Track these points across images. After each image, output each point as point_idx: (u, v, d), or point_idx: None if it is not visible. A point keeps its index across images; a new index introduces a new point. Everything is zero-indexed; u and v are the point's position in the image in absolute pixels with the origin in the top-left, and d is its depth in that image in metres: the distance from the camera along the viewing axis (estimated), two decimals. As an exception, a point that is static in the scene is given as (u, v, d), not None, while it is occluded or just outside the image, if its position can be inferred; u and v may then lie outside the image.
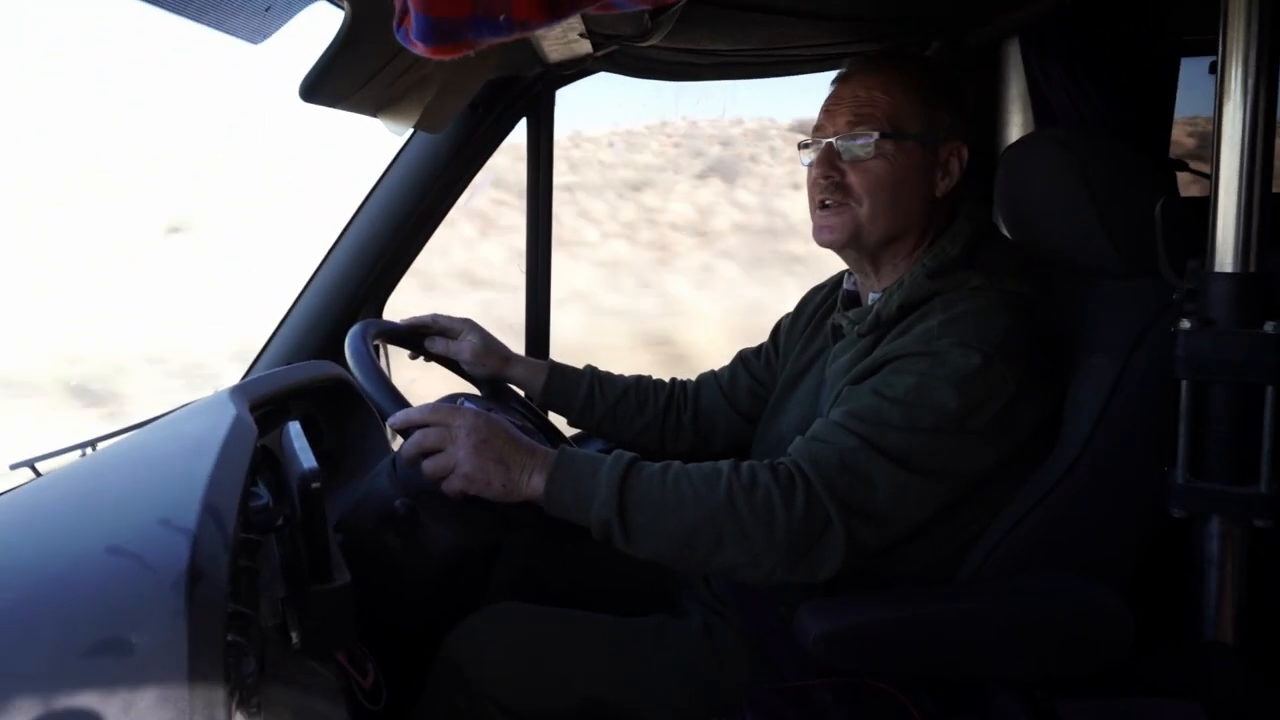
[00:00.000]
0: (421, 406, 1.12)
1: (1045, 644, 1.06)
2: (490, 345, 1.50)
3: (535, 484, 1.06)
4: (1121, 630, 1.03)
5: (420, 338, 1.50)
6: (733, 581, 1.27)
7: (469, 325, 1.50)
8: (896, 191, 1.19)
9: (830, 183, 1.21)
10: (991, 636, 1.07)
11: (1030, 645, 1.06)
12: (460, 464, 1.05)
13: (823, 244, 1.25)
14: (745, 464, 1.08)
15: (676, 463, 1.09)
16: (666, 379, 1.62)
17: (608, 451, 1.11)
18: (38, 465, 1.21)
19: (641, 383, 1.57)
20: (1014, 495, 1.14)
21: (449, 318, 1.51)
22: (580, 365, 1.57)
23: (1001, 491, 1.14)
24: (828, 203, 1.22)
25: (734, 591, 1.27)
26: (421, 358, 1.52)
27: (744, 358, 1.57)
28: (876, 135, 1.18)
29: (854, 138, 1.19)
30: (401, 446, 1.13)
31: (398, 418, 1.11)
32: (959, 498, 1.11)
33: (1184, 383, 1.03)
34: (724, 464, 1.08)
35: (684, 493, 1.05)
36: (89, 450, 1.24)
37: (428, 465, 1.07)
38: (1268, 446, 0.99)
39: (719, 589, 1.31)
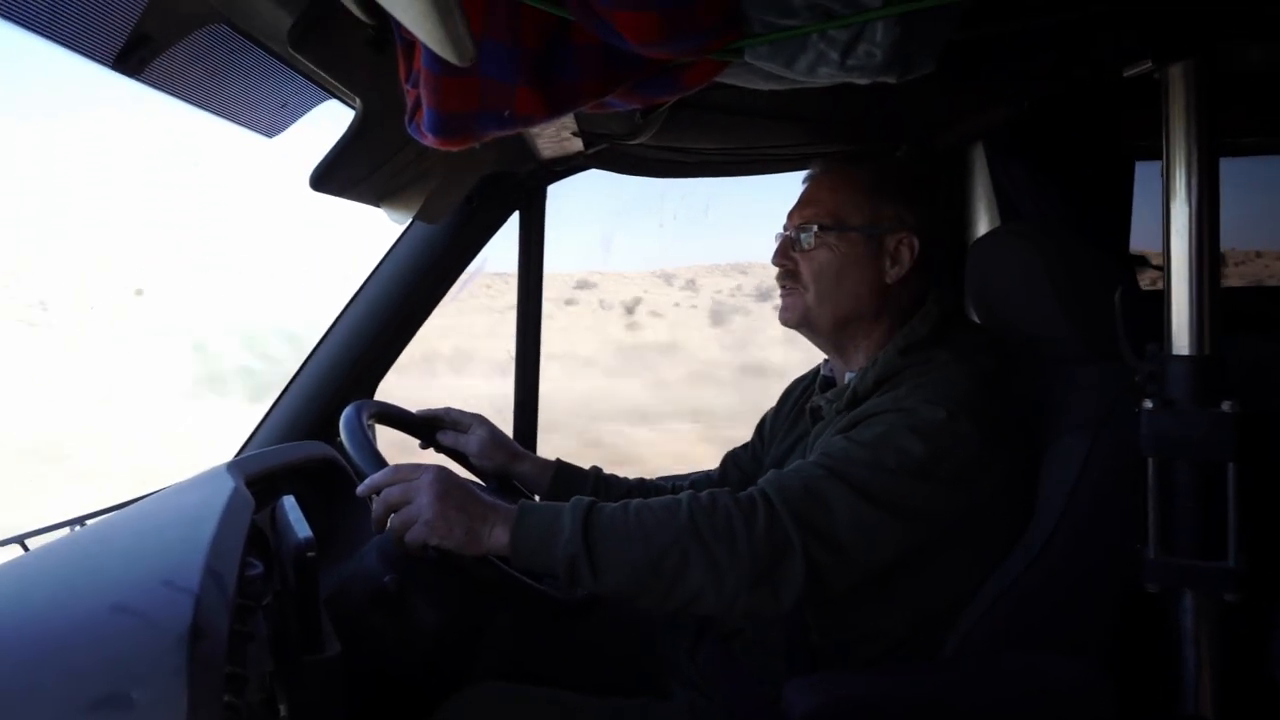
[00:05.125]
0: (385, 470, 1.15)
1: None
2: (499, 441, 1.53)
3: (498, 535, 1.08)
4: (1104, 706, 1.04)
5: (432, 429, 1.54)
6: (718, 659, 1.28)
7: (479, 420, 1.54)
8: (839, 278, 1.29)
9: (784, 270, 1.33)
10: (976, 714, 1.07)
11: None
12: (423, 511, 1.08)
13: (782, 323, 1.36)
14: (706, 491, 1.11)
15: (637, 499, 1.11)
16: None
17: None
18: (27, 542, 1.22)
19: (644, 485, 1.61)
20: (989, 568, 1.17)
21: (460, 411, 1.56)
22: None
23: (973, 560, 1.17)
24: (785, 287, 1.34)
25: (720, 670, 1.27)
26: (432, 449, 1.56)
27: (733, 455, 1.62)
28: (816, 227, 1.29)
29: (802, 230, 1.31)
30: (375, 506, 1.14)
31: (363, 485, 1.13)
32: (929, 561, 1.14)
33: (1150, 460, 1.07)
34: (685, 493, 1.11)
35: (647, 521, 1.07)
36: (76, 527, 1.25)
37: (394, 520, 1.09)
38: (1233, 522, 1.03)
39: (704, 668, 1.31)
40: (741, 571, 1.05)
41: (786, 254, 1.33)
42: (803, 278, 1.31)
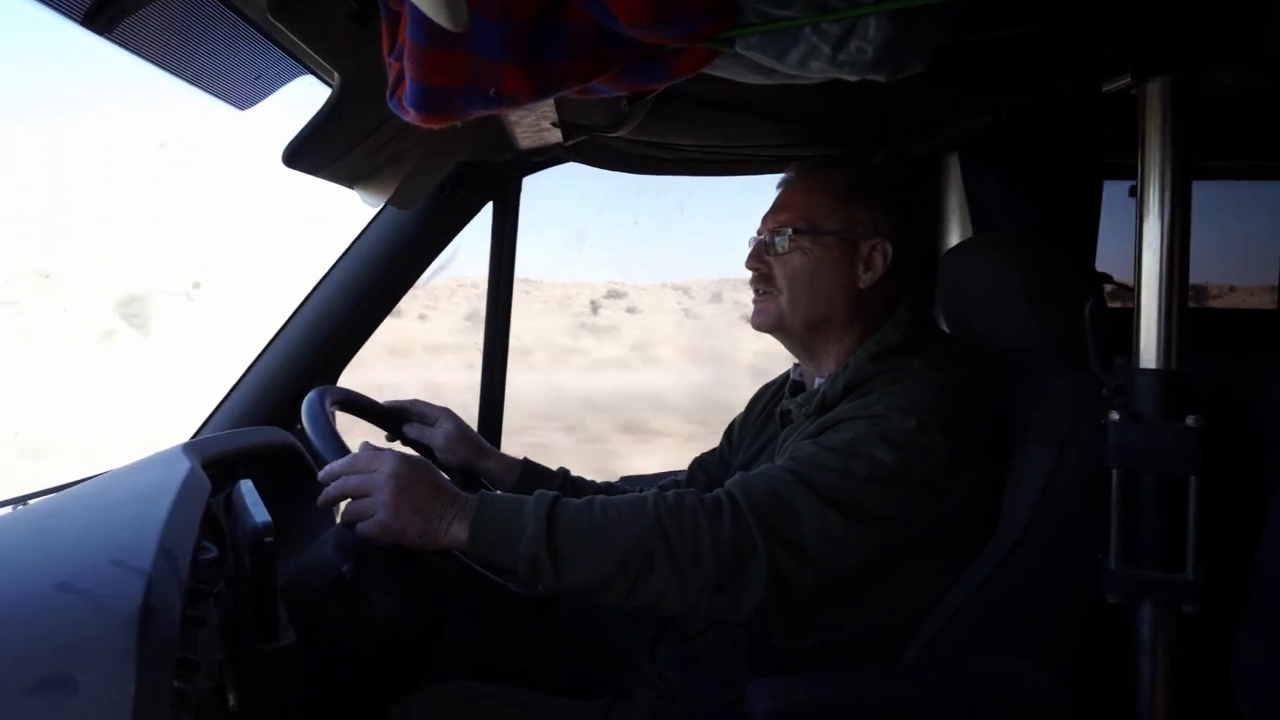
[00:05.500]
0: (345, 458, 1.12)
1: None
2: (465, 435, 1.51)
3: (455, 532, 1.06)
4: (1065, 713, 1.05)
5: (398, 421, 1.51)
6: (680, 660, 1.26)
7: (446, 414, 1.51)
8: (813, 282, 1.29)
9: (758, 274, 1.33)
10: (937, 718, 1.07)
11: None
12: (377, 510, 1.05)
13: (755, 327, 1.36)
14: (672, 491, 1.10)
15: (601, 496, 1.10)
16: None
17: None
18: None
19: (612, 487, 1.59)
20: (953, 574, 1.17)
21: (427, 404, 1.52)
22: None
23: (938, 566, 1.18)
24: (758, 290, 1.34)
25: (681, 670, 1.26)
26: (398, 440, 1.52)
27: (700, 461, 1.61)
28: (791, 231, 1.29)
29: (777, 233, 1.30)
30: (325, 500, 1.11)
31: (323, 471, 1.10)
32: (894, 567, 1.14)
33: (1115, 472, 1.09)
34: (650, 492, 1.10)
35: (612, 519, 1.06)
36: (19, 505, 1.20)
37: (348, 509, 1.07)
38: (1193, 535, 1.04)
39: (665, 668, 1.30)
40: (705, 573, 1.04)
41: (760, 258, 1.32)
42: (776, 281, 1.31)
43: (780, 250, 1.30)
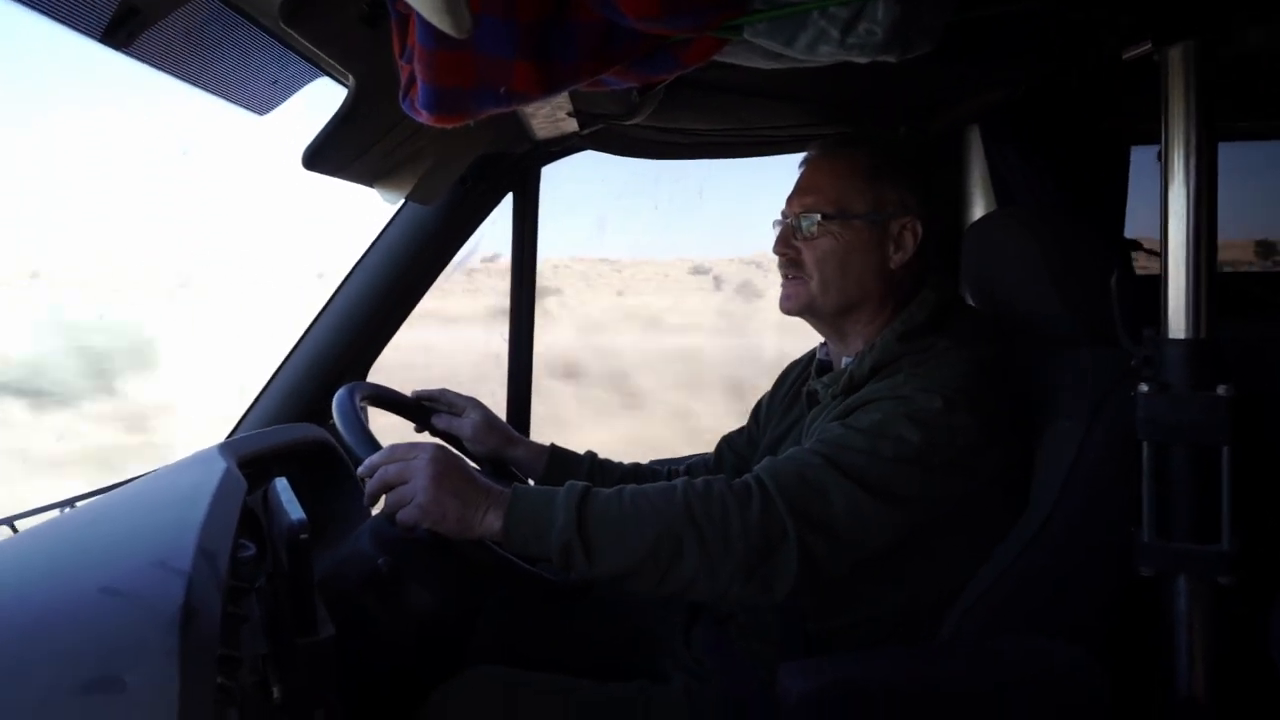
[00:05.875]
0: (382, 450, 1.14)
1: (1023, 706, 1.07)
2: (493, 424, 1.52)
3: (490, 521, 1.07)
4: (1098, 690, 1.04)
5: (426, 412, 1.53)
6: (713, 643, 1.28)
7: (473, 404, 1.53)
8: (844, 265, 1.27)
9: (787, 258, 1.31)
10: (970, 698, 1.07)
11: (1008, 707, 1.07)
12: (417, 494, 1.07)
13: (784, 311, 1.34)
14: (701, 478, 1.11)
15: (631, 485, 1.11)
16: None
17: None
18: (16, 524, 1.21)
19: (639, 469, 1.60)
20: (984, 552, 1.17)
21: (455, 394, 1.54)
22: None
23: (969, 545, 1.17)
24: (787, 275, 1.32)
25: (715, 653, 1.27)
26: (426, 431, 1.54)
27: (728, 439, 1.61)
28: (819, 215, 1.27)
29: (804, 217, 1.29)
30: (369, 485, 1.14)
31: (363, 466, 1.13)
32: (924, 546, 1.13)
33: (1145, 444, 1.07)
34: (680, 480, 1.10)
35: (642, 507, 1.07)
36: (66, 509, 1.23)
37: (389, 498, 1.09)
38: (1226, 505, 1.03)
39: (699, 652, 1.31)
40: (736, 560, 1.05)
41: (788, 243, 1.30)
42: (806, 266, 1.29)
43: (809, 234, 1.28)
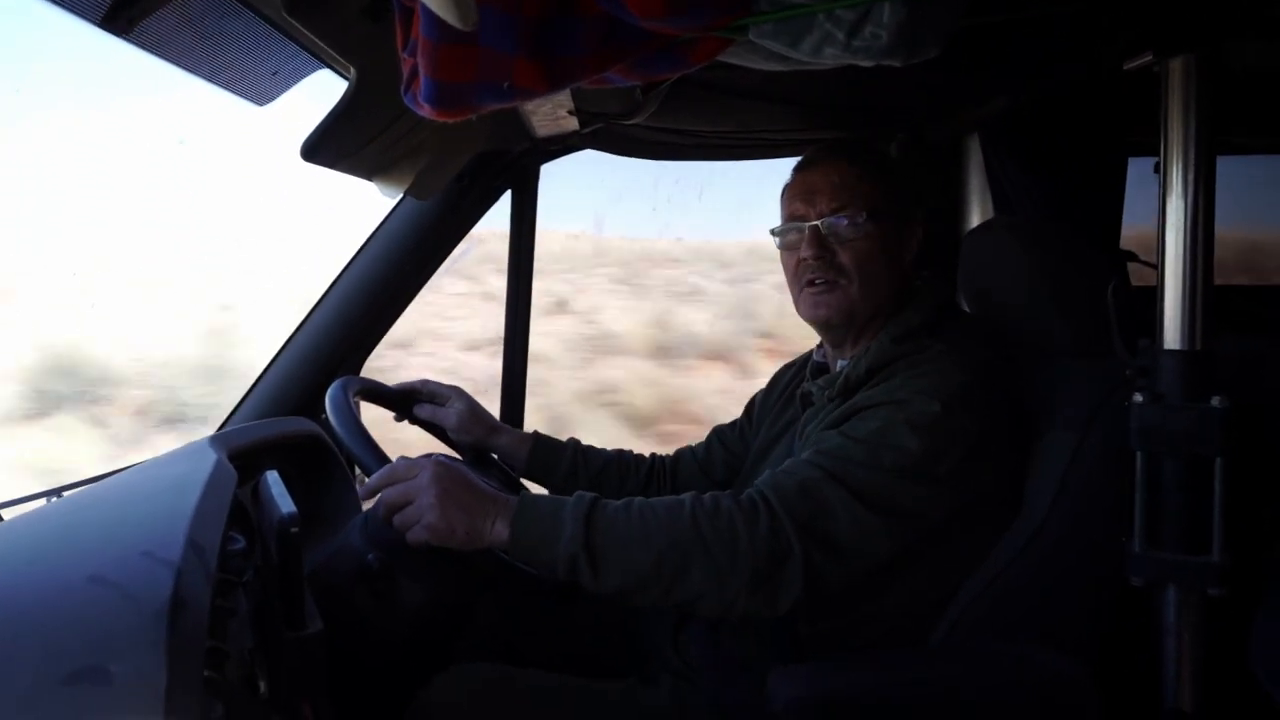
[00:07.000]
0: (383, 471, 1.13)
1: (1011, 714, 1.07)
2: (477, 413, 1.52)
3: (498, 530, 1.07)
4: (1087, 700, 1.04)
5: (409, 402, 1.52)
6: (702, 645, 1.27)
7: (457, 393, 1.53)
8: (881, 267, 1.26)
9: (822, 262, 1.26)
10: (959, 705, 1.08)
11: (996, 716, 1.07)
12: (424, 515, 1.06)
13: (818, 319, 1.30)
14: (708, 494, 1.10)
15: (639, 498, 1.10)
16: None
17: None
18: (3, 512, 1.20)
19: (623, 457, 1.60)
20: (976, 560, 1.17)
21: (438, 384, 1.54)
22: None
23: (962, 552, 1.17)
24: (818, 281, 1.27)
25: (704, 658, 1.27)
26: (406, 421, 1.54)
27: (719, 432, 1.61)
28: (865, 216, 1.24)
29: (841, 219, 1.25)
30: (373, 505, 1.14)
31: (363, 490, 1.12)
32: (918, 554, 1.13)
33: (1139, 454, 1.08)
34: (687, 495, 1.10)
35: (649, 521, 1.06)
36: (55, 498, 1.22)
37: (397, 520, 1.08)
38: (1218, 517, 1.03)
39: (688, 656, 1.31)
40: (743, 576, 1.05)
41: (824, 245, 1.26)
42: (846, 269, 1.25)
43: (849, 236, 1.25)
